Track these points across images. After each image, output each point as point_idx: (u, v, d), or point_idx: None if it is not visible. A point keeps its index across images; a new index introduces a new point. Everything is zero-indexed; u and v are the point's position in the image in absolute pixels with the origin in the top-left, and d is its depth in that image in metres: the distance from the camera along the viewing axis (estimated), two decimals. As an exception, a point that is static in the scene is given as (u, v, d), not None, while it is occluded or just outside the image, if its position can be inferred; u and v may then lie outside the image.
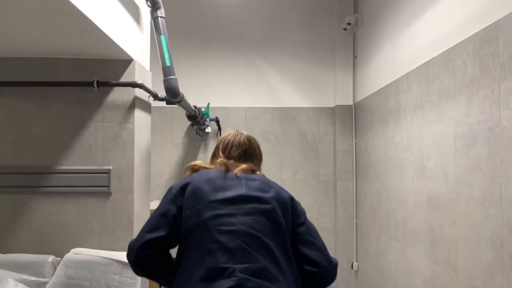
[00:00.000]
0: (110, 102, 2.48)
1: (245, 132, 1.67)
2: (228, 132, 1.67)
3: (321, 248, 1.44)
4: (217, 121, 4.43)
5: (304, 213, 1.52)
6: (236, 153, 1.58)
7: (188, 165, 1.58)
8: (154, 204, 3.91)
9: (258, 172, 1.56)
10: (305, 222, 1.48)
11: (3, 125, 2.44)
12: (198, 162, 1.58)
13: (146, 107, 2.74)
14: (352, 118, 4.42)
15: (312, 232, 1.47)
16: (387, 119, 3.39)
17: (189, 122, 4.34)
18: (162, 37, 2.55)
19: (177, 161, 4.52)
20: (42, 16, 1.79)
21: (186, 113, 3.90)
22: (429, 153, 2.57)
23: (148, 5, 2.49)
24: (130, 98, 2.49)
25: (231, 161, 1.56)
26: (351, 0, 4.43)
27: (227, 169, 1.50)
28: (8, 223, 2.42)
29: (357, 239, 4.33)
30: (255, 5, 4.63)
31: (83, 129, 2.46)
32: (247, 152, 1.60)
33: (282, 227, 1.40)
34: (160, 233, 1.36)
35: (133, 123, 2.48)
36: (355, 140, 4.38)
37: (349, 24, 4.23)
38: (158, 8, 2.53)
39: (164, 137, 4.51)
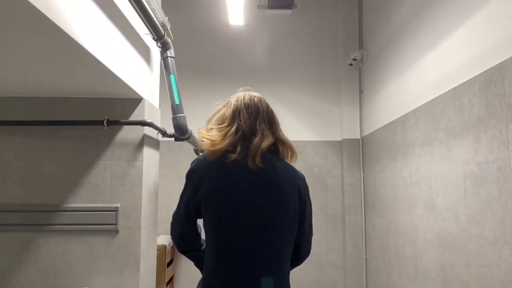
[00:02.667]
0: (120, 140, 2.50)
1: (256, 94, 1.58)
2: (241, 96, 1.56)
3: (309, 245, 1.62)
4: (224, 155, 4.44)
5: (308, 201, 1.58)
6: (253, 119, 1.49)
7: (209, 142, 1.44)
8: (161, 239, 3.88)
9: (282, 152, 1.51)
10: (306, 219, 1.56)
11: (13, 164, 2.47)
12: (215, 142, 1.44)
13: (155, 144, 2.77)
14: (360, 152, 4.42)
15: (309, 230, 1.60)
16: (394, 154, 3.38)
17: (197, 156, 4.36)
18: (172, 77, 2.61)
19: (184, 195, 4.50)
20: (53, 57, 1.84)
21: (193, 148, 3.93)
22: (438, 190, 2.55)
23: (159, 46, 2.56)
24: (139, 136, 2.52)
25: (247, 140, 1.44)
26: (357, 36, 4.53)
27: (246, 158, 1.42)
28: (14, 261, 2.41)
29: (367, 276, 4.24)
30: (262, 41, 4.73)
31: (92, 167, 2.48)
32: (260, 116, 1.51)
33: (291, 235, 1.49)
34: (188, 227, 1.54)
35: (142, 160, 2.50)
36: (363, 174, 4.36)
37: (354, 59, 4.30)
38: (168, 48, 2.60)
39: (171, 171, 4.52)
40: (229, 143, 1.43)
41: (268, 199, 1.43)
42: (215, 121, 1.54)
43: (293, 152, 1.55)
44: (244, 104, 1.52)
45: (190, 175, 1.49)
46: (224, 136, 1.45)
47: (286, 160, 1.54)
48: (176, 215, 1.57)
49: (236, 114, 1.51)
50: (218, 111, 1.57)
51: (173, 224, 1.59)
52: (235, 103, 1.54)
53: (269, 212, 1.42)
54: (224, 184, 1.42)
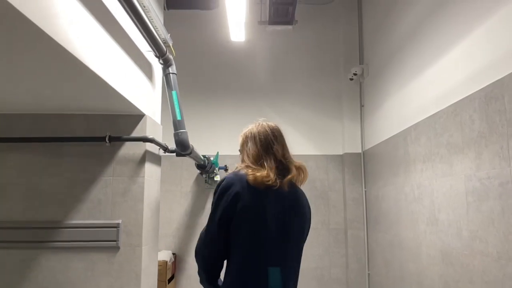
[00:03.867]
0: (121, 156, 2.51)
1: (274, 124, 1.72)
2: (266, 127, 1.69)
3: None
4: (226, 169, 4.45)
5: None
6: (282, 149, 1.65)
7: (260, 177, 1.54)
8: (162, 255, 3.86)
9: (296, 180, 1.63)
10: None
11: (16, 180, 2.48)
12: (260, 176, 1.54)
13: (156, 160, 2.77)
14: (361, 166, 4.41)
15: None
16: (396, 169, 3.38)
17: (198, 171, 4.36)
18: (174, 93, 2.63)
19: (185, 210, 4.50)
20: (55, 75, 1.86)
21: (195, 163, 3.93)
22: (441, 206, 2.54)
23: (161, 63, 2.59)
24: (141, 152, 2.53)
25: (275, 173, 1.58)
26: (357, 51, 4.56)
27: (277, 183, 1.55)
28: (16, 279, 2.39)
29: (370, 292, 4.19)
30: (263, 56, 4.77)
31: (94, 184, 2.48)
32: (284, 146, 1.67)
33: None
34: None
35: (143, 176, 2.50)
36: (365, 188, 4.34)
37: (355, 74, 4.32)
38: (170, 65, 2.62)
39: (173, 186, 4.52)
40: (274, 175, 1.56)
41: (294, 221, 1.58)
42: (251, 157, 1.63)
43: (306, 175, 1.67)
44: (273, 136, 1.66)
45: (224, 191, 1.53)
46: (269, 172, 1.56)
47: (298, 184, 1.66)
48: (207, 232, 1.57)
49: (268, 146, 1.64)
50: (250, 147, 1.66)
51: (202, 242, 1.57)
52: (263, 137, 1.66)
53: (295, 232, 1.58)
54: (259, 204, 1.52)
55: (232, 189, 1.52)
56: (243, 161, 1.68)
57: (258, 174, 1.54)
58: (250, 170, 1.56)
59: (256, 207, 1.52)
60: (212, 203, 1.58)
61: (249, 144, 1.67)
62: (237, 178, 1.55)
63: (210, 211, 1.58)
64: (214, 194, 1.59)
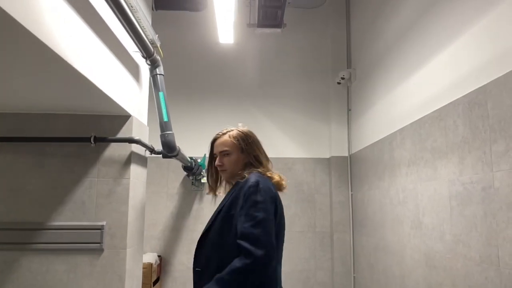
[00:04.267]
0: (107, 158, 2.48)
1: (244, 129, 1.81)
2: (250, 132, 1.80)
3: None
4: (213, 171, 4.42)
5: None
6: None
7: (282, 181, 1.69)
8: (147, 257, 3.82)
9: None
10: None
11: (-2, 180, 2.43)
12: (282, 180, 1.69)
13: (142, 162, 2.75)
14: (348, 170, 4.44)
15: None
16: (382, 173, 3.41)
17: (185, 173, 4.34)
18: (160, 94, 2.61)
19: (171, 212, 4.47)
20: (41, 75, 1.83)
21: (182, 165, 3.91)
22: (425, 209, 2.57)
23: (148, 64, 2.57)
24: (127, 153, 2.50)
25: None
26: (345, 55, 4.60)
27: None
28: (-4, 281, 2.35)
29: (355, 295, 4.21)
30: (251, 59, 4.78)
31: (78, 185, 2.44)
32: None
33: None
34: None
35: (129, 178, 2.48)
36: (351, 191, 4.37)
37: (343, 78, 4.35)
38: (157, 66, 2.61)
39: (159, 188, 4.49)
40: None
41: None
42: (263, 161, 1.74)
43: None
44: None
45: (267, 193, 1.55)
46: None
47: None
48: (268, 220, 1.50)
49: (264, 151, 1.79)
50: (256, 152, 1.75)
51: (269, 229, 1.49)
52: (258, 142, 1.79)
53: None
54: (282, 207, 1.64)
55: (273, 191, 1.59)
56: (248, 164, 1.70)
57: (282, 177, 1.68)
58: (276, 175, 1.67)
59: (283, 210, 1.64)
60: (252, 205, 1.50)
61: (254, 147, 1.73)
62: (269, 182, 1.62)
63: (260, 213, 1.48)
64: (252, 194, 1.52)
